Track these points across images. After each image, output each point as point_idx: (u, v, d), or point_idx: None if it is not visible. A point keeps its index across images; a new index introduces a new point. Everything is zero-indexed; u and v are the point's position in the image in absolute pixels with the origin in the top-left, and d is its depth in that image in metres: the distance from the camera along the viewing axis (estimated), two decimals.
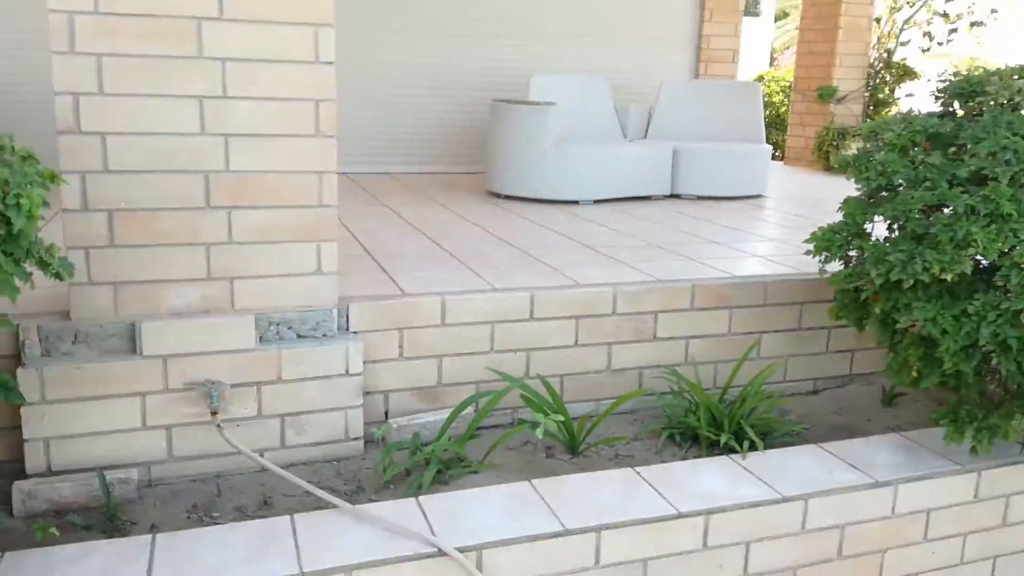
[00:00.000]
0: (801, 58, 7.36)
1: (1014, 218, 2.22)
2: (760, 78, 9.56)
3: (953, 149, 2.53)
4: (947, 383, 2.40)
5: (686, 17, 6.72)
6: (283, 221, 2.37)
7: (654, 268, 3.17)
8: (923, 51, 7.20)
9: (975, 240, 2.20)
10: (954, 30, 7.15)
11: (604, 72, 6.52)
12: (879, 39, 7.26)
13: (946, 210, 2.36)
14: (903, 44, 7.40)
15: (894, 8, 7.32)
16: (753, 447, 2.49)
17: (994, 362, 2.23)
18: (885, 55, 7.13)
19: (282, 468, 2.31)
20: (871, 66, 7.11)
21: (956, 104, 2.69)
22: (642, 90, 6.63)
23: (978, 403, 2.40)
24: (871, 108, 7.15)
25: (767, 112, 9.42)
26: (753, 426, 2.62)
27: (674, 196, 5.27)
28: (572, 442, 2.59)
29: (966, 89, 2.64)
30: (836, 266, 2.69)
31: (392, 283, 2.79)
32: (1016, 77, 2.59)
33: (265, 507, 2.26)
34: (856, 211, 2.57)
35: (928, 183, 2.39)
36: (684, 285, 2.97)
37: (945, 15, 7.09)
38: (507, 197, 4.96)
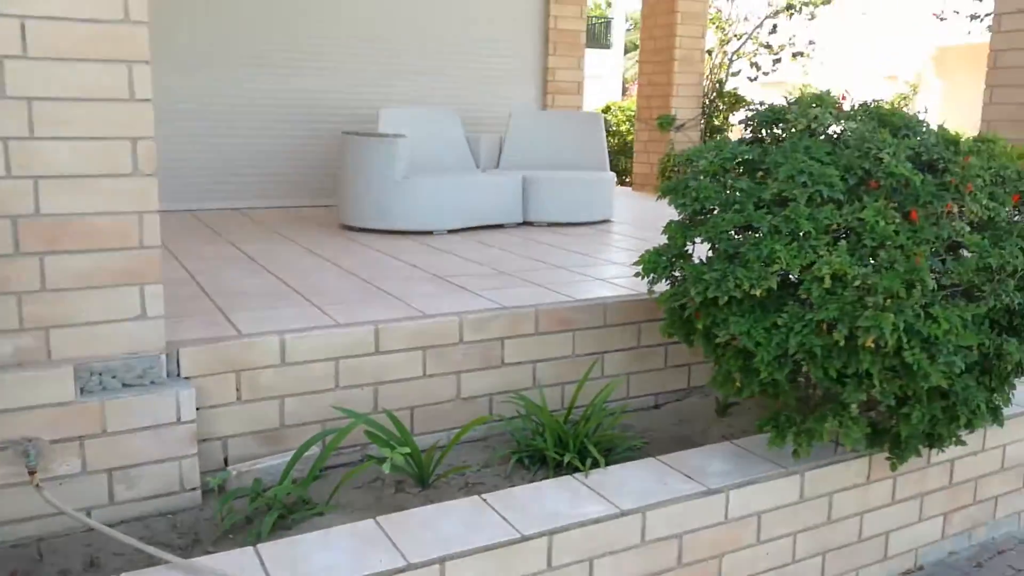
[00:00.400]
0: (642, 89, 7.76)
1: (813, 235, 2.43)
2: (607, 108, 10.02)
3: (760, 173, 2.74)
4: (767, 391, 2.58)
5: (532, 51, 6.95)
6: (102, 265, 2.25)
7: (501, 295, 3.24)
8: (751, 80, 7.77)
9: (779, 257, 2.38)
10: (778, 60, 7.77)
11: (456, 104, 6.63)
12: (711, 70, 7.78)
13: (754, 231, 2.55)
14: (734, 75, 7.97)
15: (723, 40, 7.87)
16: (596, 464, 2.58)
17: (804, 369, 2.41)
18: (717, 85, 7.64)
19: (113, 525, 2.18)
20: (706, 95, 7.60)
21: (764, 131, 2.93)
22: (494, 121, 6.77)
23: (796, 409, 2.59)
24: (708, 135, 7.63)
25: (616, 140, 9.87)
26: (596, 444, 2.71)
27: (527, 223, 5.40)
28: (422, 474, 2.58)
29: (770, 117, 2.88)
30: (664, 286, 2.84)
31: (229, 324, 2.70)
32: (814, 105, 2.84)
33: (92, 568, 2.12)
34: (677, 234, 2.73)
35: (737, 206, 2.57)
36: (528, 311, 3.05)
37: (768, 47, 7.70)
38: (360, 230, 4.92)
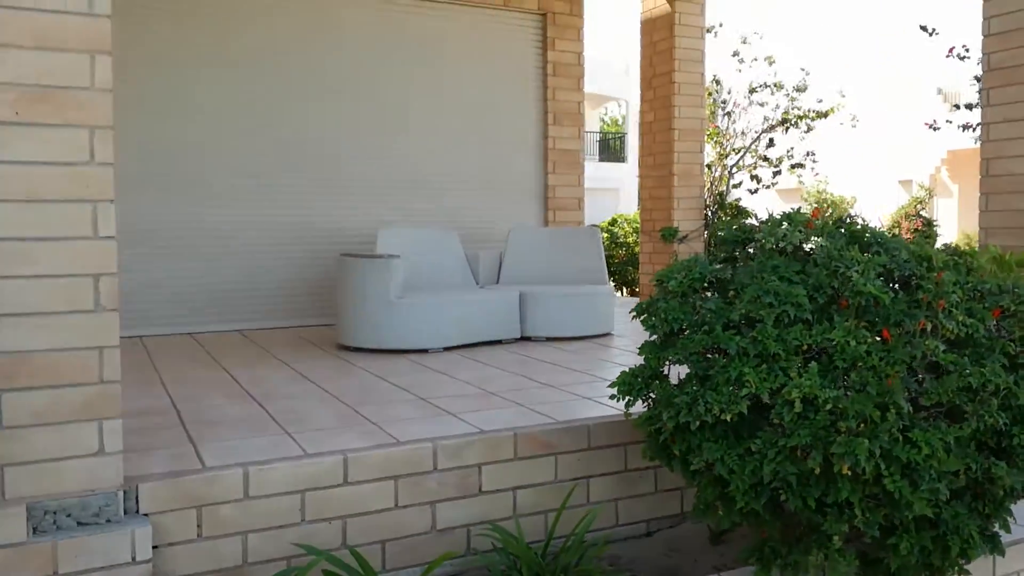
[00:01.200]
0: (644, 202, 7.88)
1: (782, 357, 2.37)
2: (614, 220, 10.18)
3: (732, 292, 2.71)
4: (748, 521, 2.45)
5: (531, 170, 7.14)
6: (61, 401, 2.25)
7: (482, 418, 3.18)
8: (752, 192, 7.87)
9: (748, 380, 2.32)
10: (777, 172, 7.88)
11: (459, 221, 6.77)
12: (712, 183, 7.90)
13: (724, 353, 2.50)
14: (736, 186, 8.09)
15: (722, 155, 8.03)
16: None
17: (782, 498, 2.30)
18: (718, 197, 7.74)
19: None
20: (707, 207, 7.69)
21: (735, 250, 2.92)
22: (497, 238, 6.89)
23: (782, 538, 2.46)
24: (712, 245, 7.67)
25: (624, 251, 9.95)
26: None
27: (525, 339, 5.38)
28: None
29: (740, 237, 2.88)
30: (642, 408, 2.77)
31: (195, 456, 2.66)
32: (784, 224, 2.84)
33: None
34: (650, 355, 2.68)
35: (706, 327, 2.53)
36: (506, 435, 2.98)
37: (767, 159, 7.83)
38: (357, 350, 4.93)
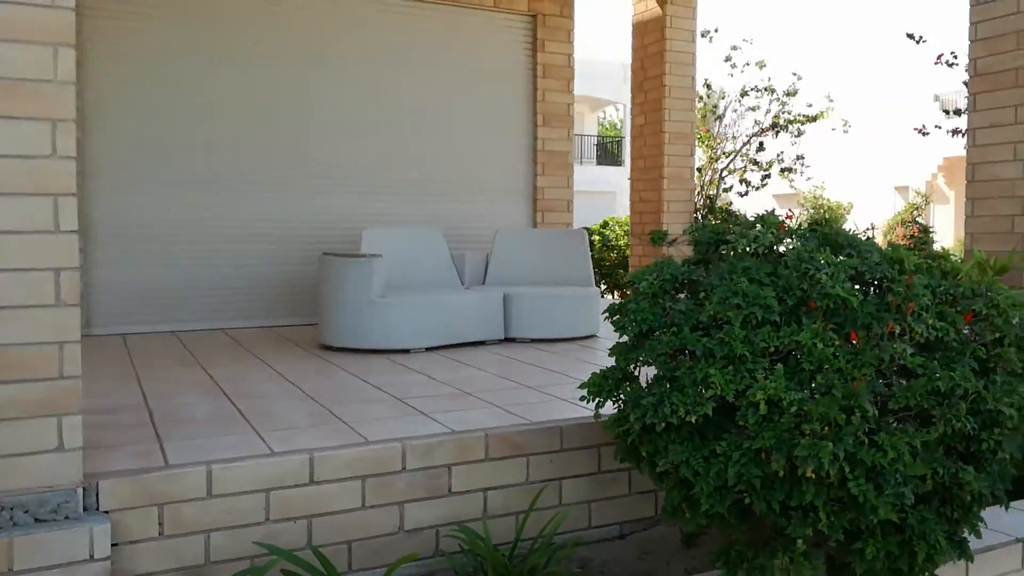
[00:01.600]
0: (634, 205, 7.87)
1: (749, 359, 2.35)
2: (605, 223, 10.19)
3: (703, 294, 2.69)
4: (713, 523, 2.43)
5: (521, 171, 7.13)
6: (20, 396, 2.23)
7: (455, 418, 3.16)
8: (741, 196, 7.86)
9: (714, 382, 2.30)
10: (767, 176, 7.87)
11: (447, 222, 6.76)
12: (702, 186, 7.89)
13: (691, 354, 2.48)
14: (726, 190, 8.07)
15: (713, 158, 8.03)
16: None
17: (747, 501, 2.28)
18: (708, 201, 7.73)
19: None
20: (697, 211, 7.68)
21: (709, 251, 2.91)
22: (483, 239, 6.87)
23: (747, 543, 2.44)
24: None
25: (616, 254, 9.94)
26: None
27: (509, 340, 5.36)
28: None
29: (713, 238, 2.86)
30: (613, 409, 2.75)
31: (160, 453, 2.64)
32: (757, 226, 2.83)
33: None
34: (621, 357, 2.66)
35: (674, 328, 2.51)
36: (477, 435, 2.96)
37: (756, 163, 7.82)
38: (338, 349, 4.91)
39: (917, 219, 17.81)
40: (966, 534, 2.44)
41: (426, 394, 3.63)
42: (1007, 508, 2.51)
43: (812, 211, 20.36)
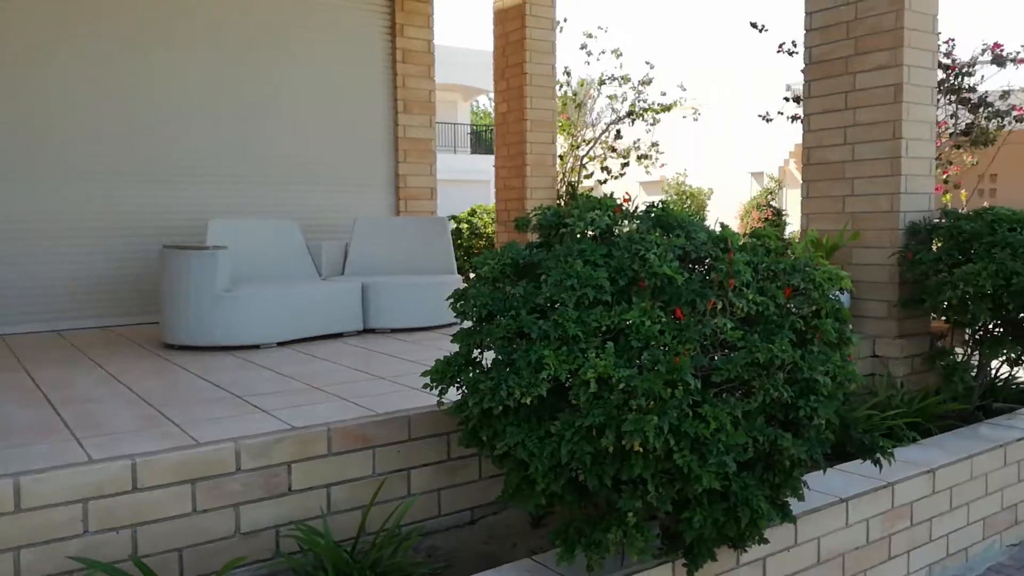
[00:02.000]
0: (499, 192, 7.91)
1: (581, 339, 2.38)
2: (473, 211, 10.19)
3: (542, 277, 2.71)
4: (552, 503, 2.46)
5: (382, 159, 6.99)
6: None
7: (297, 414, 3.04)
8: (601, 183, 8.04)
9: (548, 363, 2.31)
10: (626, 163, 8.09)
11: (306, 212, 6.55)
12: (564, 173, 8.02)
13: (527, 337, 2.49)
14: (587, 177, 8.24)
15: (574, 146, 8.16)
16: None
17: (580, 478, 2.32)
18: (570, 188, 7.86)
19: None
20: (560, 197, 7.79)
21: (551, 235, 2.93)
22: (343, 229, 6.70)
23: (585, 520, 2.48)
24: None
25: (485, 242, 9.97)
26: (386, 574, 2.51)
27: (369, 331, 5.25)
28: None
29: (554, 221, 2.88)
30: (458, 396, 2.73)
31: None
32: (595, 208, 2.87)
33: None
34: (463, 342, 2.64)
35: (512, 312, 2.51)
36: (319, 430, 2.86)
37: (614, 150, 8.01)
38: (182, 348, 4.65)
39: (771, 203, 18.87)
40: (789, 498, 2.58)
41: (270, 391, 3.49)
42: (824, 471, 2.67)
43: (675, 197, 21.17)
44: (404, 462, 3.03)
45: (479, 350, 2.67)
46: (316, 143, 6.69)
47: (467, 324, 2.76)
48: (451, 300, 2.79)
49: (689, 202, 20.79)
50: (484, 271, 2.69)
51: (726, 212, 20.50)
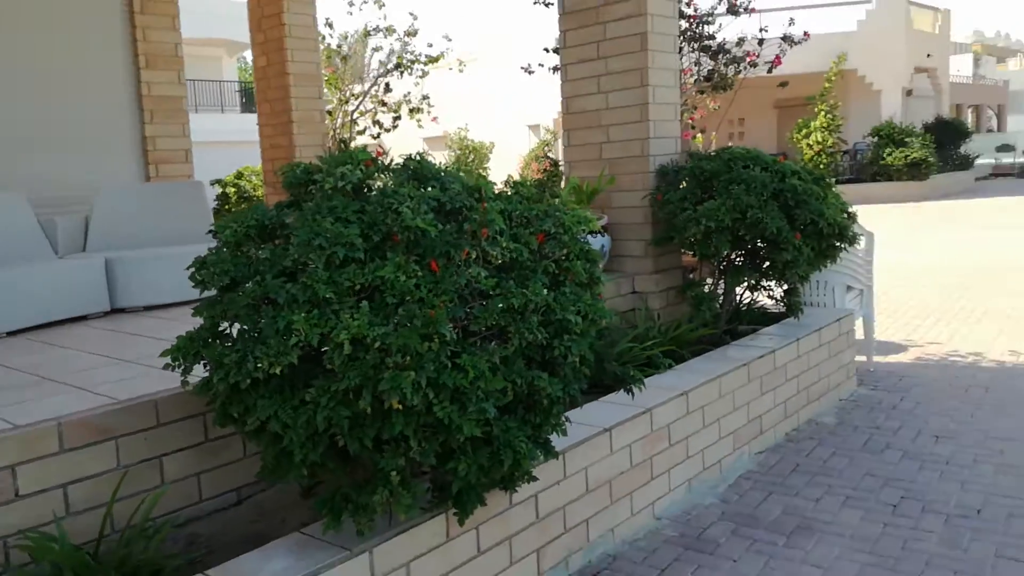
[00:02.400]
0: (265, 152, 7.47)
1: (334, 300, 2.27)
2: (240, 174, 9.58)
3: (290, 238, 2.55)
4: (314, 473, 2.36)
5: (124, 121, 6.31)
6: None
7: (20, 411, 2.68)
8: (374, 138, 7.85)
9: (298, 328, 2.19)
10: (397, 117, 7.94)
11: (36, 184, 5.76)
12: (335, 130, 7.73)
13: (275, 303, 2.34)
14: (360, 133, 8.00)
15: (343, 100, 7.88)
16: None
17: (340, 444, 2.23)
18: (341, 145, 7.60)
19: None
20: (331, 154, 7.51)
21: (301, 193, 2.76)
22: (87, 201, 6.00)
23: (353, 485, 2.41)
24: None
25: (253, 203, 9.43)
26: (135, 572, 2.29)
27: (119, 311, 4.76)
28: None
29: (303, 178, 2.72)
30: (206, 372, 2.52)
31: None
32: (345, 163, 2.73)
33: None
34: (206, 314, 2.44)
35: (258, 277, 2.35)
36: (48, 426, 2.54)
37: (384, 104, 7.84)
38: None
39: (548, 154, 19.56)
40: (552, 435, 2.66)
41: None
42: (581, 407, 2.79)
43: (459, 152, 21.34)
44: (154, 450, 2.78)
45: (227, 322, 2.48)
46: (46, 106, 5.88)
47: (210, 294, 2.54)
48: (190, 269, 2.57)
49: (472, 156, 21.03)
50: (226, 235, 2.49)
51: (508, 165, 20.97)
